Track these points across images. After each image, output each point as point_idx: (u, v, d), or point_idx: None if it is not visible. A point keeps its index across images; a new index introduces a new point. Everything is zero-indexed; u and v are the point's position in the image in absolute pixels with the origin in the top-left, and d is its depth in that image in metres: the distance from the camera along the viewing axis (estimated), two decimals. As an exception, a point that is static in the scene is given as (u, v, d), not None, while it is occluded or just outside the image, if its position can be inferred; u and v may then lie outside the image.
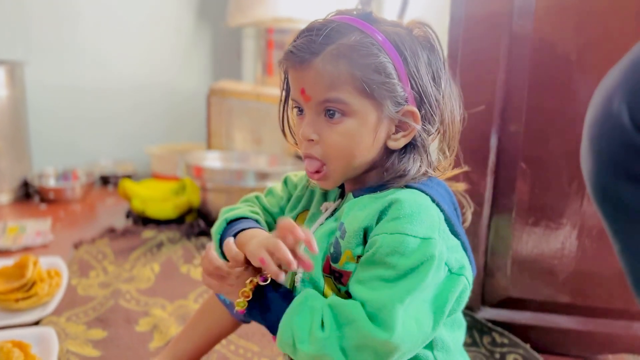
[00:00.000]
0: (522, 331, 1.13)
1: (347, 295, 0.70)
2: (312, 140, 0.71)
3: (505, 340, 1.12)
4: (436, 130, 0.73)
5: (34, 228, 1.81)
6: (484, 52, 1.06)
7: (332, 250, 0.72)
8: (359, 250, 0.69)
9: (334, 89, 0.68)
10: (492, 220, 1.14)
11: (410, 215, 0.66)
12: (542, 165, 1.08)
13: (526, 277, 1.13)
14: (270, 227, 0.85)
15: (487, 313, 1.16)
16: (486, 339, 1.13)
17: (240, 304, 0.71)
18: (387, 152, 0.72)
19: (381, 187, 0.72)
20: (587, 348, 1.13)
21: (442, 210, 0.70)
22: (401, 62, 0.68)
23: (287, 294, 0.72)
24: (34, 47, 2.32)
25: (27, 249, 1.66)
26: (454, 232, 0.72)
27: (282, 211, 0.87)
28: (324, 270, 0.74)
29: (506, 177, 1.10)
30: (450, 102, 0.74)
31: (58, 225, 1.89)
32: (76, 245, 1.67)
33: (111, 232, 1.78)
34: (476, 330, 1.14)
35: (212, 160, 1.96)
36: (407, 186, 0.71)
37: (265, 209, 0.88)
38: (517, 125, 1.08)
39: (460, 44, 1.07)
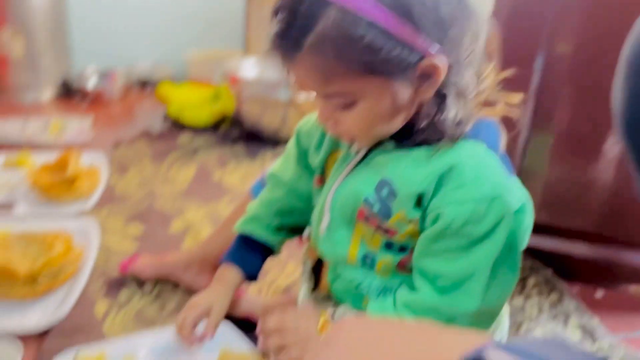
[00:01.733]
0: (545, 257, 1.14)
1: (387, 246, 0.71)
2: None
3: (528, 265, 1.13)
4: (469, 62, 0.66)
5: (76, 125, 1.86)
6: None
7: (376, 207, 0.69)
8: (414, 214, 0.67)
9: (329, 83, 0.61)
10: (528, 144, 1.12)
11: (475, 179, 0.63)
12: (587, 92, 1.04)
13: (556, 204, 1.12)
14: (295, 208, 0.84)
15: (512, 237, 1.17)
16: (508, 262, 1.14)
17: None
18: (422, 103, 0.66)
19: (427, 138, 0.66)
20: (609, 278, 1.14)
21: (496, 154, 0.67)
22: (397, 19, 0.58)
23: None
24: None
25: (68, 146, 1.72)
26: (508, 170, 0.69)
27: (303, 180, 0.85)
28: (358, 217, 0.72)
29: (548, 102, 1.07)
30: (472, 23, 0.64)
31: (97, 125, 1.94)
32: (115, 145, 1.72)
33: (148, 134, 1.82)
34: (499, 252, 1.16)
35: (250, 67, 1.94)
36: (457, 137, 0.66)
37: (290, 191, 0.86)
38: (566, 47, 1.02)
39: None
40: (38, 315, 0.94)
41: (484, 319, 0.69)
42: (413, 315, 0.66)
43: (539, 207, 1.12)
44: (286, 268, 1.13)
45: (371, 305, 0.71)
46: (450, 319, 0.66)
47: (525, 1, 1.01)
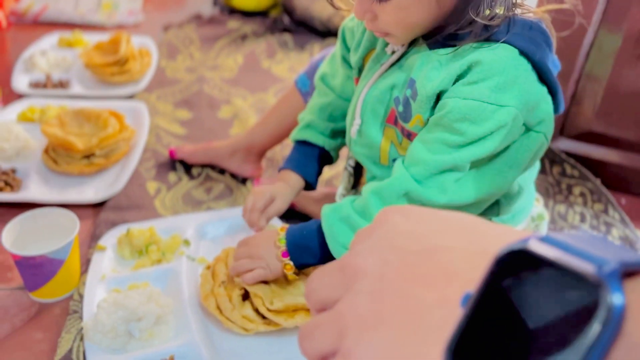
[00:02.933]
0: (595, 166, 1.11)
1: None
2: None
3: (576, 173, 1.11)
4: None
5: (127, 6, 1.85)
6: None
7: (401, 108, 0.68)
8: (429, 115, 0.66)
9: None
10: (593, 47, 1.04)
11: (489, 80, 0.60)
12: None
13: (614, 113, 1.07)
14: (346, 111, 0.81)
15: (563, 144, 1.14)
16: (556, 169, 1.12)
17: (287, 267, 0.73)
18: None
19: (459, 37, 0.63)
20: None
21: (531, 60, 0.63)
22: None
23: (317, 231, 0.72)
24: None
25: (120, 27, 1.72)
26: (544, 77, 0.65)
27: (351, 81, 0.83)
28: (387, 121, 0.72)
29: (620, 2, 0.98)
30: None
31: (148, 6, 1.92)
32: (165, 28, 1.71)
33: (198, 18, 1.80)
34: (547, 158, 1.13)
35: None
36: (490, 39, 0.62)
37: (339, 95, 0.84)
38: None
39: None
40: (94, 190, 1.00)
41: (465, 210, 0.68)
42: (382, 203, 0.66)
43: (596, 115, 1.08)
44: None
45: (324, 205, 0.72)
46: None
47: None
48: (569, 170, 1.11)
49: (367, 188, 0.69)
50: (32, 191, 0.97)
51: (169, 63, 1.51)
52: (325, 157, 0.87)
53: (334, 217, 0.70)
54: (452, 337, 0.23)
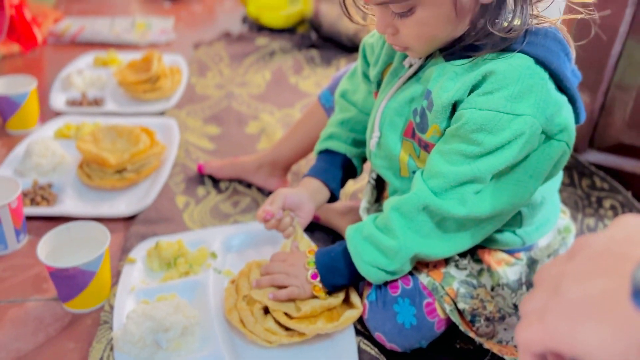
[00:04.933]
0: (626, 179, 1.09)
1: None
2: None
3: (606, 186, 1.09)
4: None
5: (159, 25, 1.91)
6: None
7: (418, 119, 0.69)
8: (447, 126, 0.66)
9: None
10: (621, 57, 1.03)
11: (504, 90, 0.61)
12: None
13: (646, 124, 1.05)
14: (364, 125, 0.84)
15: (592, 156, 1.12)
16: (585, 182, 1.10)
17: (316, 288, 0.74)
18: (482, 7, 0.62)
19: (476, 48, 0.64)
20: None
21: (548, 69, 0.63)
22: None
23: (343, 252, 0.73)
24: None
25: (152, 45, 1.78)
26: (562, 86, 0.65)
27: (371, 96, 0.84)
28: (405, 134, 0.72)
29: (651, 10, 0.97)
30: None
31: (179, 25, 1.97)
32: (195, 46, 1.75)
33: (227, 36, 1.84)
34: (576, 171, 1.12)
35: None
36: (506, 49, 0.63)
37: (360, 109, 0.86)
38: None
39: None
40: (125, 204, 1.03)
41: (484, 223, 0.68)
42: (403, 218, 0.67)
43: (627, 126, 1.06)
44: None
45: (348, 226, 0.73)
46: (439, 222, 0.67)
47: None
48: (598, 183, 1.09)
49: (387, 204, 0.70)
50: (67, 205, 1.01)
51: (199, 80, 1.55)
52: (349, 168, 0.88)
53: (358, 236, 0.71)
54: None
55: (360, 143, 0.87)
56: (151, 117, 1.32)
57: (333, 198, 0.87)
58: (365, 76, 0.85)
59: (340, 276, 0.74)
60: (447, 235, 0.68)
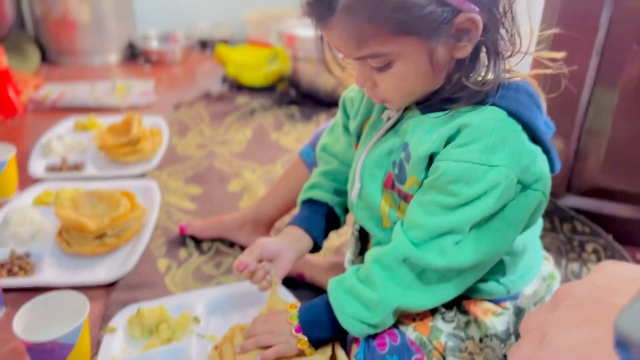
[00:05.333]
0: (606, 221, 1.10)
1: None
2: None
3: (587, 229, 1.09)
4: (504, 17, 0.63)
5: (139, 88, 1.93)
6: None
7: (396, 171, 0.70)
8: (424, 177, 0.67)
9: (363, 45, 0.61)
10: (590, 103, 1.06)
11: (478, 141, 0.62)
12: (658, 47, 0.97)
13: (620, 166, 1.07)
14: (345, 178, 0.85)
15: (570, 201, 1.13)
16: (566, 226, 1.11)
17: (302, 342, 0.73)
18: (457, 62, 0.64)
19: (451, 101, 0.65)
20: (676, 244, 1.09)
21: (520, 121, 0.65)
22: None
23: (325, 305, 0.73)
24: None
25: (133, 108, 1.79)
26: (535, 137, 0.66)
27: (352, 148, 0.85)
28: (385, 186, 0.73)
29: (614, 57, 1.00)
30: None
31: (160, 86, 2.00)
32: (176, 107, 1.78)
33: (208, 96, 1.87)
34: (557, 216, 1.13)
35: (305, 27, 1.93)
36: (480, 102, 0.64)
37: (342, 161, 0.87)
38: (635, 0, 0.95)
39: None
40: (105, 270, 1.01)
41: (466, 273, 0.68)
42: (384, 270, 0.67)
43: (601, 170, 1.08)
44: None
45: (330, 279, 0.73)
46: (420, 273, 0.66)
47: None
48: (579, 227, 1.10)
49: (368, 255, 0.69)
50: (45, 275, 0.99)
51: (180, 140, 1.56)
52: (332, 217, 0.88)
53: (340, 289, 0.71)
54: (622, 310, 0.29)
55: (343, 193, 0.87)
56: (132, 180, 1.31)
57: (316, 247, 0.86)
58: (346, 129, 0.87)
59: (324, 330, 0.72)
60: (428, 287, 0.68)
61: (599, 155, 1.08)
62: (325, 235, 0.87)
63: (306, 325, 0.73)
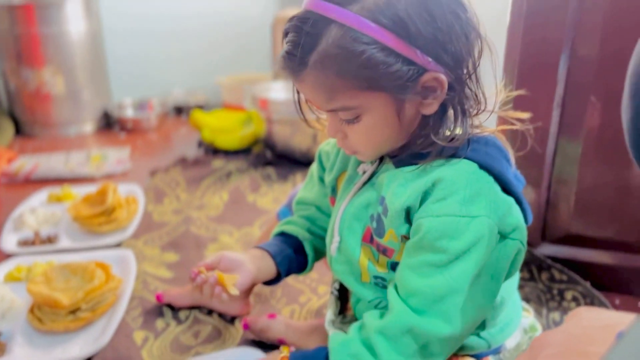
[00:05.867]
0: (583, 268, 1.11)
1: (392, 268, 0.72)
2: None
3: (565, 277, 1.10)
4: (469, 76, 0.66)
5: (115, 156, 1.93)
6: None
7: (374, 224, 0.71)
8: (402, 230, 0.68)
9: (333, 99, 0.64)
10: (556, 154, 1.09)
11: (455, 194, 0.64)
12: (615, 96, 1.00)
13: (590, 212, 1.09)
14: (324, 224, 0.88)
15: (546, 249, 1.15)
16: (544, 275, 1.12)
17: None
18: (424, 118, 0.67)
19: (422, 155, 0.67)
20: (653, 287, 1.10)
21: (492, 173, 0.67)
22: (395, 37, 0.60)
23: (322, 356, 0.72)
24: (107, -20, 2.37)
25: (108, 176, 1.79)
26: (507, 189, 0.68)
27: (327, 198, 0.88)
28: (363, 239, 0.74)
29: (574, 108, 1.04)
30: (473, 39, 0.64)
31: (136, 154, 2.01)
32: (152, 173, 1.77)
33: (183, 161, 1.87)
34: (534, 265, 1.13)
35: (278, 91, 1.97)
36: (451, 155, 0.67)
37: (318, 208, 0.89)
38: (589, 50, 1.00)
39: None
40: (79, 346, 0.98)
41: (453, 344, 0.68)
42: (388, 342, 0.65)
43: (573, 217, 1.10)
44: (318, 290, 1.13)
45: (332, 336, 0.71)
46: (424, 345, 0.65)
47: (542, 9, 1.00)
48: (557, 275, 1.11)
49: (371, 326, 0.68)
50: (16, 355, 0.95)
51: (156, 207, 1.55)
52: (300, 252, 0.88)
53: (344, 352, 0.68)
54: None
55: (316, 235, 0.88)
56: (107, 250, 1.29)
57: (278, 276, 0.86)
58: (322, 180, 0.88)
59: None
60: (432, 356, 0.67)
61: (570, 203, 1.10)
62: (290, 268, 0.87)
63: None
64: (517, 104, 0.79)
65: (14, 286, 1.13)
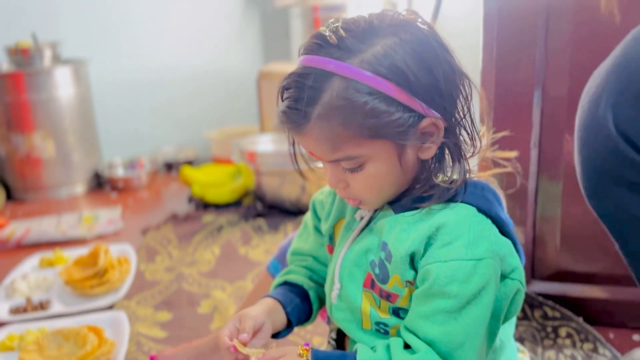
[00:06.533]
0: (574, 303, 1.12)
1: (394, 313, 0.72)
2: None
3: (557, 314, 1.10)
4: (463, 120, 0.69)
5: (106, 216, 1.94)
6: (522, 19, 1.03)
7: (377, 270, 0.72)
8: (408, 276, 0.68)
9: (337, 149, 0.66)
10: (538, 192, 1.12)
11: (460, 238, 0.65)
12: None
13: (577, 248, 1.10)
14: (320, 274, 0.86)
15: (537, 287, 1.15)
16: (537, 313, 1.12)
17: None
18: (423, 163, 0.69)
19: (422, 199, 0.69)
20: (646, 319, 1.10)
21: (489, 216, 0.68)
22: (395, 87, 0.63)
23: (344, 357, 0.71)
24: (94, 45, 2.44)
25: (100, 237, 1.79)
26: (503, 231, 0.70)
27: (323, 248, 0.86)
28: (364, 286, 0.74)
29: (551, 147, 1.07)
30: (464, 84, 0.68)
31: (127, 213, 2.02)
32: (143, 232, 1.78)
33: (174, 217, 1.89)
34: (527, 303, 1.14)
35: (265, 143, 2.01)
36: (450, 200, 0.68)
37: (314, 258, 0.88)
38: (559, 89, 1.04)
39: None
40: (73, 414, 0.96)
41: None
42: None
43: (560, 253, 1.12)
44: (313, 341, 1.13)
45: (361, 348, 0.69)
46: None
47: (511, 52, 1.04)
48: (550, 312, 1.11)
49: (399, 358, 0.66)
50: None
51: (148, 266, 1.55)
52: (306, 301, 0.84)
53: None
54: None
55: (317, 283, 0.86)
56: (100, 312, 1.29)
57: (289, 326, 0.82)
58: (317, 230, 0.88)
59: None
60: None
61: (556, 240, 1.12)
62: (299, 318, 0.83)
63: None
64: (497, 145, 0.81)
65: (5, 356, 1.12)
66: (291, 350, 0.71)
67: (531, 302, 1.14)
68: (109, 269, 1.39)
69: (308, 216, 0.91)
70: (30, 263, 1.57)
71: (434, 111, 0.65)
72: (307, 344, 0.72)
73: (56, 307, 1.33)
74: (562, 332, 1.07)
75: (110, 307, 1.33)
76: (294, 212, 1.80)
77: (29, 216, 2.02)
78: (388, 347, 0.69)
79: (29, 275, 1.45)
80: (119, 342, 1.14)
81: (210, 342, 1.05)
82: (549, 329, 1.08)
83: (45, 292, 1.40)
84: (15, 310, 1.32)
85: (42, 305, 1.33)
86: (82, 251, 1.55)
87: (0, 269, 1.58)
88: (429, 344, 0.65)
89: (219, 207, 1.94)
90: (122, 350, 1.11)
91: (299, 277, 0.87)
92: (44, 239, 1.77)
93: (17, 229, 1.84)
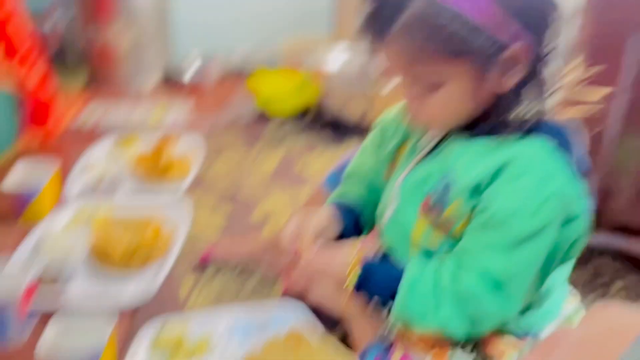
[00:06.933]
0: (636, 260, 1.07)
1: (445, 243, 0.71)
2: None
3: (615, 267, 1.07)
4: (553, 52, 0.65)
5: (175, 112, 1.99)
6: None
7: (437, 196, 0.70)
8: (469, 204, 0.67)
9: (416, 64, 0.64)
10: (621, 140, 1.05)
11: (530, 174, 0.63)
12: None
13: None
14: (372, 200, 0.85)
15: (599, 239, 1.11)
16: (596, 261, 1.09)
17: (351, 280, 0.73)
18: (498, 95, 0.66)
19: (497, 130, 0.66)
20: None
21: (566, 155, 0.65)
22: (483, 8, 0.59)
23: (391, 270, 0.72)
24: None
25: (169, 130, 1.84)
26: (578, 174, 0.67)
27: (380, 172, 0.86)
28: (422, 209, 0.73)
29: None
30: (556, 15, 0.64)
31: (194, 111, 2.05)
32: (207, 134, 1.82)
33: (239, 121, 1.91)
34: (587, 249, 1.10)
35: (336, 56, 1.96)
36: (526, 133, 0.65)
37: (368, 184, 0.87)
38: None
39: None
40: (128, 295, 1.03)
41: (503, 322, 0.68)
42: (455, 308, 0.66)
43: (631, 208, 1.06)
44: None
45: (411, 266, 0.70)
46: (480, 318, 0.66)
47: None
48: (607, 265, 1.08)
49: (446, 283, 0.67)
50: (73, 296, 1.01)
51: (209, 168, 1.59)
52: (355, 221, 0.86)
53: (413, 289, 0.69)
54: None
55: (370, 205, 0.87)
56: (161, 206, 1.34)
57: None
58: (378, 151, 0.88)
59: (378, 285, 0.72)
60: (479, 328, 0.68)
61: (629, 193, 1.06)
62: (350, 234, 0.86)
63: (367, 268, 0.72)
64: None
65: (76, 231, 1.20)
66: (347, 251, 0.73)
67: (591, 249, 1.10)
68: (171, 166, 1.43)
69: (370, 137, 0.89)
70: (104, 146, 1.63)
71: (521, 39, 0.61)
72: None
73: (124, 191, 1.38)
74: (617, 285, 1.04)
75: (172, 200, 1.38)
76: (357, 130, 1.78)
77: (107, 98, 2.09)
78: (437, 270, 0.70)
79: (102, 157, 1.52)
80: (176, 235, 1.19)
81: (260, 247, 1.09)
82: (603, 281, 1.05)
83: (115, 176, 1.46)
84: (87, 190, 1.39)
85: (112, 188, 1.40)
86: (153, 139, 1.58)
87: (76, 150, 1.67)
88: (481, 273, 0.64)
89: (282, 117, 1.94)
90: (179, 243, 1.16)
91: (353, 198, 0.87)
92: (118, 125, 1.84)
93: (95, 110, 1.92)
